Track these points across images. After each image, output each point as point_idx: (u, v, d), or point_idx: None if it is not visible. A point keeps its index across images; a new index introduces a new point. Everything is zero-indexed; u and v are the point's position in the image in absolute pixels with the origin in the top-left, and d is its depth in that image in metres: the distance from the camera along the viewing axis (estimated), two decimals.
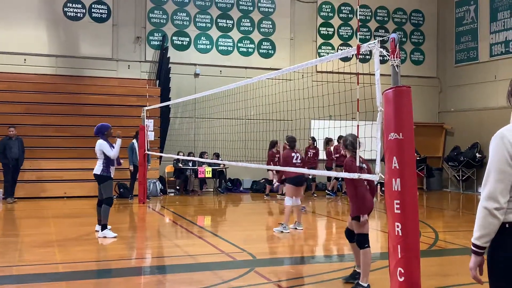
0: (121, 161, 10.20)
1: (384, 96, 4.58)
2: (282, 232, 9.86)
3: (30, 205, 13.48)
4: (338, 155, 15.59)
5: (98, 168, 9.29)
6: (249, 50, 18.81)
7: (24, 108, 15.84)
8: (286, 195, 10.17)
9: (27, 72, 16.45)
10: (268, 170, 15.94)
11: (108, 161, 9.26)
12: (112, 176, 9.35)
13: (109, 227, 9.32)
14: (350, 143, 6.28)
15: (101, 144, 9.25)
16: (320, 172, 10.54)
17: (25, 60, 16.54)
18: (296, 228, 10.19)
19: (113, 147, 9.27)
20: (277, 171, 13.56)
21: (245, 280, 6.49)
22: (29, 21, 16.55)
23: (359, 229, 6.04)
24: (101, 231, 9.18)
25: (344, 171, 6.05)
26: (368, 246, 6.05)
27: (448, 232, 10.64)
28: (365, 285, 5.99)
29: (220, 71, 18.25)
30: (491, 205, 2.76)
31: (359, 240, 6.06)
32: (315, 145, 16.14)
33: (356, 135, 5.65)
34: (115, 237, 9.11)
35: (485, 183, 2.82)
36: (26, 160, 14.40)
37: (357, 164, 5.61)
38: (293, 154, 10.29)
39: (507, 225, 2.77)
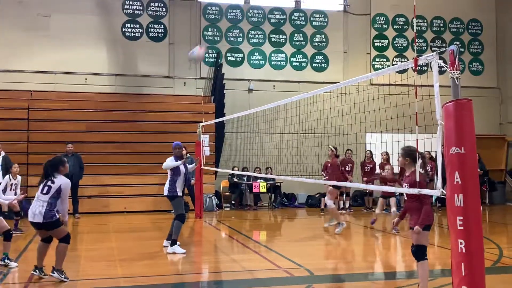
0: (192, 181, 10.36)
1: (444, 110, 4.49)
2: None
3: (93, 220, 13.91)
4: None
5: (165, 188, 9.62)
6: (302, 64, 18.85)
7: (85, 126, 16.39)
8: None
9: (88, 91, 17.05)
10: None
11: (173, 179, 9.53)
12: (178, 193, 9.54)
13: (178, 243, 9.45)
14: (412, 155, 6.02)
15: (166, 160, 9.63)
16: (377, 187, 10.37)
17: (86, 79, 17.18)
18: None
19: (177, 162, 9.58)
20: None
21: None
22: (89, 42, 17.21)
23: (417, 241, 5.87)
24: (171, 246, 9.28)
25: (409, 186, 5.91)
26: (426, 259, 5.89)
27: None
28: None
29: (274, 85, 18.36)
30: None
31: (417, 251, 5.89)
32: (372, 159, 16.02)
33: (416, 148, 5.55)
34: (184, 253, 9.16)
35: None
36: (88, 176, 14.88)
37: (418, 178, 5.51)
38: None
39: None
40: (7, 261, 7.99)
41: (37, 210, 6.93)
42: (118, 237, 11.30)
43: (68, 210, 7.30)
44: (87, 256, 9.04)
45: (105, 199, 15.43)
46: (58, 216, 7.05)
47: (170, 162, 9.60)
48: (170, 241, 9.46)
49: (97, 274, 7.65)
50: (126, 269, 7.99)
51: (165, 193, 9.63)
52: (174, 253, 9.16)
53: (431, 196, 6.05)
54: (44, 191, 7.04)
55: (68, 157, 14.28)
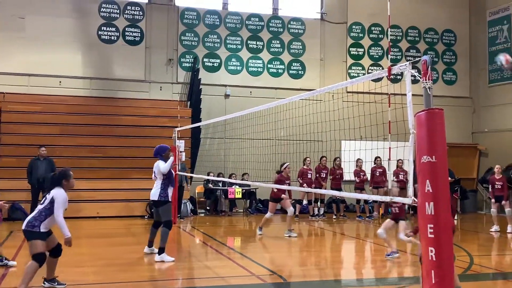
0: (185, 185, 9.98)
1: (416, 119, 4.54)
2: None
3: None
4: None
5: (155, 193, 9.08)
6: (279, 71, 18.92)
7: (59, 130, 16.20)
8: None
9: (62, 94, 16.86)
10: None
11: (166, 183, 9.11)
12: (170, 199, 9.15)
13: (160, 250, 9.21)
14: None
15: (158, 165, 9.19)
16: (353, 195, 10.45)
17: (60, 82, 16.98)
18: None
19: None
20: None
21: None
22: (65, 44, 17.02)
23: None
24: (159, 255, 8.92)
25: None
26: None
27: (483, 256, 10.38)
28: None
29: (250, 92, 18.38)
30: None
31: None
32: (340, 166, 16.25)
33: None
34: (173, 261, 8.87)
35: None
36: None
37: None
38: None
39: None
40: (5, 261, 8.10)
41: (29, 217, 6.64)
42: (90, 242, 11.14)
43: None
44: (58, 262, 8.88)
45: (77, 203, 15.16)
46: (43, 231, 6.55)
47: (167, 164, 9.12)
48: (152, 248, 9.26)
49: (68, 280, 7.51)
50: (98, 275, 7.88)
51: (155, 198, 9.08)
52: (162, 261, 8.82)
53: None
54: (42, 201, 6.73)
55: (40, 160, 14.09)
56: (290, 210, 12.41)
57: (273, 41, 18.95)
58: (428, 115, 4.43)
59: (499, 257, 10.47)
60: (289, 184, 12.25)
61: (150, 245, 9.36)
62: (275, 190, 11.96)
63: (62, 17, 17.02)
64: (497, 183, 13.36)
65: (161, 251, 8.93)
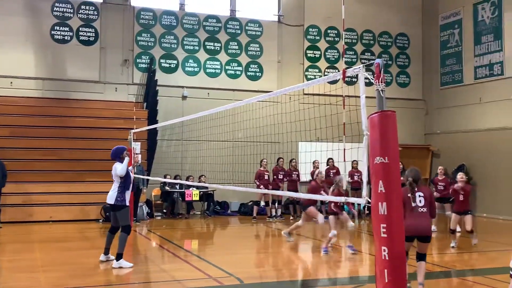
0: (143, 187, 9.60)
1: (369, 121, 4.62)
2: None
3: (16, 230, 13.28)
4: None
5: (112, 196, 8.78)
6: (237, 72, 18.92)
7: (10, 131, 15.72)
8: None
9: (13, 95, 16.36)
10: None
11: (124, 186, 8.84)
12: (127, 203, 8.87)
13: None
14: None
15: (115, 167, 8.88)
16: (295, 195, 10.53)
17: (11, 82, 16.49)
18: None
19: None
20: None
21: None
22: (16, 44, 16.53)
23: None
24: (117, 261, 8.68)
25: None
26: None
27: (435, 254, 10.64)
28: None
29: (208, 93, 18.30)
30: None
31: None
32: (296, 167, 16.37)
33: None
34: (131, 267, 8.66)
35: None
36: (11, 184, 14.20)
37: None
38: None
39: None
40: None
41: None
42: (42, 247, 10.85)
43: None
44: (9, 267, 8.64)
45: (30, 207, 14.77)
46: None
47: (123, 166, 8.82)
48: (108, 255, 9.00)
49: (19, 286, 7.31)
50: (50, 281, 7.67)
51: (112, 201, 8.79)
52: (120, 267, 8.61)
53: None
54: None
55: None
56: (320, 216, 11.03)
57: (230, 43, 18.93)
58: (380, 117, 4.52)
59: (451, 255, 10.74)
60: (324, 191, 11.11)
61: (106, 252, 9.07)
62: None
63: (13, 16, 16.52)
64: (439, 183, 13.48)
65: (119, 257, 8.71)
